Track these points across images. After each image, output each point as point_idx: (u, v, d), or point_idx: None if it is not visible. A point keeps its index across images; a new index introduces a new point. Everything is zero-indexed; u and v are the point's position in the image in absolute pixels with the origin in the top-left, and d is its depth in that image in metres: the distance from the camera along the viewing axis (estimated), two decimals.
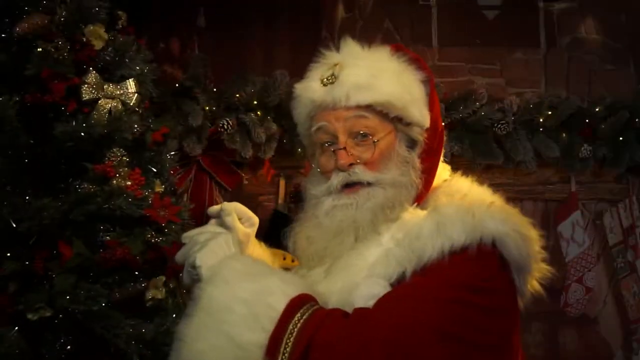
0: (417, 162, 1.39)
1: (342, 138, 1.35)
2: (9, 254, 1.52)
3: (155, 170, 1.79)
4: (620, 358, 2.96)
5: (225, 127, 2.64)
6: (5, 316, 1.49)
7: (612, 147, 2.82)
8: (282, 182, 2.88)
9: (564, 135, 2.82)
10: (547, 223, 2.99)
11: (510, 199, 1.49)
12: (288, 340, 1.14)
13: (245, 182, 2.92)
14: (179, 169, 2.62)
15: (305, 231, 1.42)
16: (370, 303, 1.20)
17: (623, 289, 2.89)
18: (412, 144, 1.41)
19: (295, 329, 1.14)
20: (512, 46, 3.11)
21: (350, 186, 1.36)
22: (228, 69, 2.85)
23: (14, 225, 1.50)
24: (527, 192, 2.97)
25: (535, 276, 1.35)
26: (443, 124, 1.53)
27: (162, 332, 1.63)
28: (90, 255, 1.56)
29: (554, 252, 2.94)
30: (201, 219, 2.70)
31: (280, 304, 1.17)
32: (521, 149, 2.78)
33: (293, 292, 1.20)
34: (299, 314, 1.17)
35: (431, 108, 1.43)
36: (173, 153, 1.90)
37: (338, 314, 1.18)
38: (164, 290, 1.66)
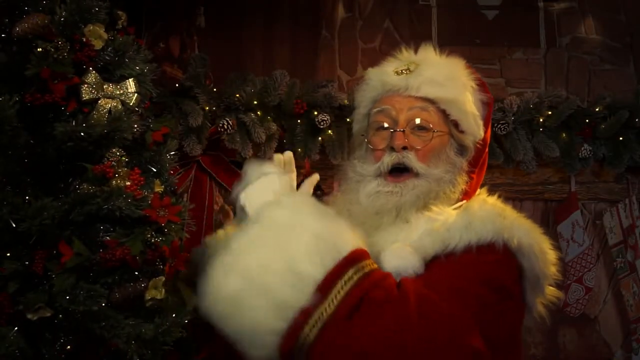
0: (465, 167, 1.46)
1: (403, 123, 1.42)
2: (9, 254, 1.52)
3: (155, 170, 1.79)
4: (620, 358, 2.96)
5: (225, 127, 2.64)
6: (5, 316, 1.49)
7: (611, 147, 2.82)
8: None
9: (564, 135, 2.82)
10: (547, 223, 2.99)
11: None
12: (343, 286, 1.13)
13: None
14: (179, 169, 2.62)
15: (346, 204, 1.46)
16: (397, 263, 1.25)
17: (623, 289, 2.90)
18: (461, 151, 1.48)
19: (354, 278, 1.14)
20: (512, 46, 3.11)
21: (397, 173, 1.41)
22: (228, 69, 2.85)
23: (14, 225, 1.50)
24: (527, 192, 2.97)
25: (545, 298, 1.37)
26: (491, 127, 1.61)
27: (162, 332, 1.63)
28: (89, 255, 1.56)
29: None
30: (201, 219, 2.70)
31: (345, 249, 1.17)
32: (521, 149, 2.78)
33: (358, 244, 1.21)
34: (358, 265, 1.16)
35: (486, 127, 1.51)
36: (173, 153, 1.89)
37: (392, 282, 1.19)
38: (163, 290, 1.65)
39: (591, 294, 2.87)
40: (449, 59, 1.52)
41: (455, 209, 1.41)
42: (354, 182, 1.47)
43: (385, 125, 1.44)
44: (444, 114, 1.44)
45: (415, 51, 1.53)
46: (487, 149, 1.54)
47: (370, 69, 1.55)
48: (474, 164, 1.49)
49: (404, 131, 1.41)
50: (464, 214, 1.34)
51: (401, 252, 1.28)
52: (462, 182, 1.44)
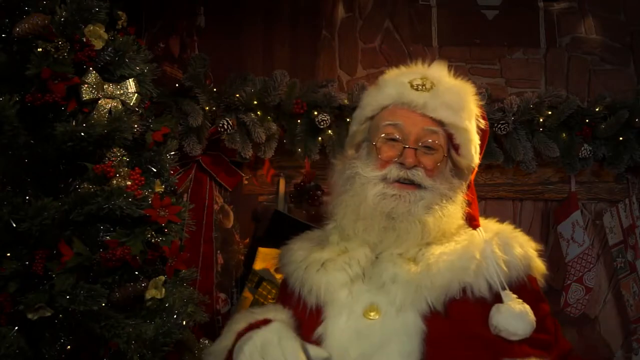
0: (463, 189, 1.58)
1: (414, 141, 1.52)
2: (9, 254, 1.52)
3: (155, 170, 1.80)
4: (620, 358, 2.96)
5: (225, 127, 2.64)
6: (5, 316, 1.49)
7: (611, 146, 2.82)
8: (282, 182, 2.87)
9: (564, 135, 2.82)
10: (547, 223, 2.99)
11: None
12: None
13: (245, 182, 2.92)
14: (179, 169, 2.62)
15: (355, 204, 1.52)
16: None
17: (623, 289, 2.89)
18: (455, 173, 1.60)
19: None
20: (512, 46, 3.11)
21: (403, 183, 1.51)
22: (228, 69, 2.84)
23: (14, 225, 1.50)
24: (527, 192, 2.97)
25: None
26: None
27: (162, 332, 1.63)
28: (90, 255, 1.57)
29: (554, 252, 2.94)
30: (201, 219, 2.71)
31: None
32: (521, 149, 2.77)
33: None
34: None
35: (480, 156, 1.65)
36: (173, 153, 1.90)
37: None
38: (163, 290, 1.66)
39: (591, 294, 2.86)
40: (463, 84, 1.61)
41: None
42: (359, 184, 1.53)
43: (397, 137, 1.52)
44: (449, 136, 1.55)
45: (429, 64, 1.62)
46: (474, 171, 1.65)
47: (385, 76, 1.61)
48: (468, 189, 1.61)
49: (416, 149, 1.50)
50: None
51: (519, 312, 1.38)
52: (463, 203, 1.55)
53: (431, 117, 1.53)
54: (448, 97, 1.54)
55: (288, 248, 1.64)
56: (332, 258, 1.51)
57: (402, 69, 1.62)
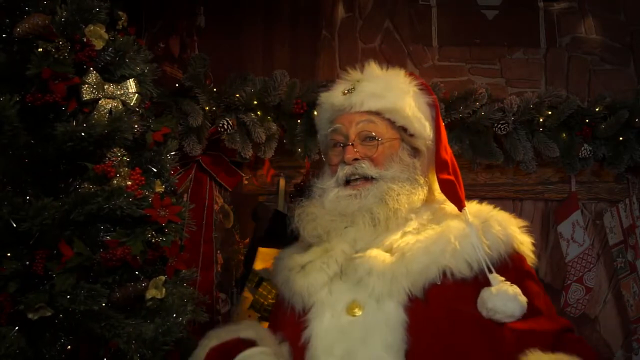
0: (419, 167, 1.59)
1: (352, 137, 1.57)
2: (9, 254, 1.52)
3: (155, 170, 1.80)
4: (620, 358, 2.96)
5: (225, 127, 2.64)
6: (6, 316, 1.49)
7: (611, 146, 2.82)
8: (282, 182, 2.88)
9: (564, 135, 2.82)
10: (547, 223, 2.99)
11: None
12: None
13: (245, 182, 2.92)
14: (179, 169, 2.62)
15: (313, 211, 1.57)
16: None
17: (623, 289, 2.89)
18: (415, 154, 1.62)
19: None
20: (512, 46, 3.11)
21: (354, 181, 1.55)
22: (228, 69, 2.84)
23: (14, 225, 1.50)
24: (527, 192, 2.97)
25: None
26: (443, 123, 1.64)
27: (162, 332, 1.63)
28: (90, 255, 1.56)
29: (554, 252, 2.95)
30: (201, 219, 2.71)
31: None
32: (521, 149, 2.77)
33: None
34: None
35: (436, 129, 1.63)
36: (173, 153, 1.90)
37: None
38: (164, 290, 1.66)
39: (591, 294, 2.87)
40: (389, 72, 1.68)
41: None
42: (317, 196, 1.61)
43: (339, 141, 1.60)
44: (390, 122, 1.59)
45: (362, 70, 1.69)
46: (441, 147, 1.62)
47: (322, 94, 1.72)
48: (439, 168, 1.59)
49: (353, 144, 1.56)
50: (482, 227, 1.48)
51: (512, 294, 1.38)
52: (422, 181, 1.58)
53: (362, 111, 1.58)
54: (370, 88, 1.60)
55: (277, 258, 1.68)
56: (313, 260, 1.54)
57: (339, 81, 1.71)
